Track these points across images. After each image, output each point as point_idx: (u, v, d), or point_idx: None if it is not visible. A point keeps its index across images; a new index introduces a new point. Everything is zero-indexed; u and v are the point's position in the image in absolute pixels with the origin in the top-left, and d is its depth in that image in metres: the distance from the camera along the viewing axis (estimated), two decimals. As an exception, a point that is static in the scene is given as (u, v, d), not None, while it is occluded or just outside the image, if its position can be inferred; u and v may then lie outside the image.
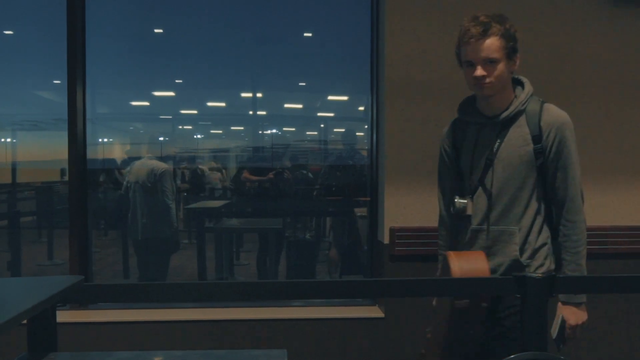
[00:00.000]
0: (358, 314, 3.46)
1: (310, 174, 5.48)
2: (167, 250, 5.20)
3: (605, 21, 3.34)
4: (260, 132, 6.03)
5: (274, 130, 5.97)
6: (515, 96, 2.25)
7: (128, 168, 5.40)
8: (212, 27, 5.05)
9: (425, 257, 3.08)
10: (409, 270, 3.27)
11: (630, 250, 3.35)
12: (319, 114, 6.01)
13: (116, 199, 5.71)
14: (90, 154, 3.63)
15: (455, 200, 2.35)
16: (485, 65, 2.15)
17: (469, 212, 2.30)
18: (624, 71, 3.36)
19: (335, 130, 6.01)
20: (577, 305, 2.22)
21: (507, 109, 2.22)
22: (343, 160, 5.36)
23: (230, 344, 3.34)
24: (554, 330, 2.23)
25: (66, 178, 3.58)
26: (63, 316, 3.28)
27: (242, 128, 6.73)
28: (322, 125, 5.98)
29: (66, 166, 3.53)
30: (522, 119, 2.22)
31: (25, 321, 1.44)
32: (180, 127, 6.50)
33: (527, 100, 2.23)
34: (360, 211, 4.70)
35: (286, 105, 5.95)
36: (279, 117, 5.96)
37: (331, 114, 5.90)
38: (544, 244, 2.23)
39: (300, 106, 5.99)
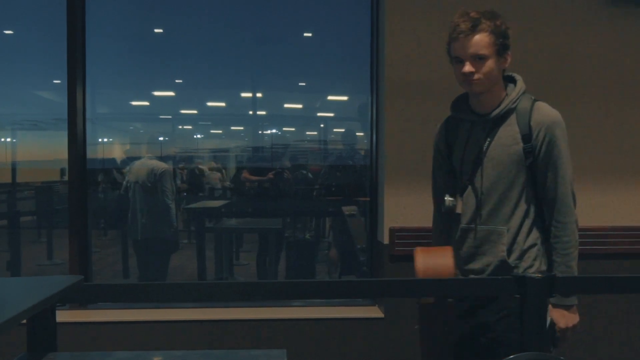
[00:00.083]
0: (358, 314, 3.46)
1: (310, 174, 5.48)
2: (167, 250, 5.20)
3: (605, 21, 3.34)
4: (260, 132, 6.03)
5: (274, 130, 5.97)
6: (507, 94, 2.21)
7: (128, 168, 5.40)
8: (212, 27, 5.05)
9: (425, 257, 3.07)
10: (408, 271, 3.25)
11: (630, 251, 3.35)
12: (318, 114, 6.01)
13: (116, 198, 5.71)
14: (90, 154, 3.63)
15: (445, 198, 2.35)
16: (473, 61, 2.12)
17: (458, 210, 2.29)
18: (624, 71, 3.36)
19: (335, 130, 6.01)
20: (567, 307, 2.16)
21: (497, 107, 2.19)
22: (343, 160, 5.36)
23: (230, 344, 3.34)
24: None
25: (66, 178, 3.58)
26: (63, 316, 3.28)
27: (242, 128, 6.73)
28: (322, 126, 5.98)
29: (66, 166, 3.54)
30: (512, 118, 2.18)
31: (24, 321, 1.44)
32: (180, 127, 6.50)
33: (518, 99, 2.19)
34: (348, 210, 4.69)
35: (286, 105, 5.95)
36: (279, 117, 5.96)
37: (331, 114, 5.90)
38: (533, 245, 2.19)
39: (300, 106, 6.00)
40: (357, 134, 5.22)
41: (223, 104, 6.21)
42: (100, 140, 6.01)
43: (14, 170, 6.37)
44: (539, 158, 2.15)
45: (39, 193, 6.91)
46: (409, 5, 3.30)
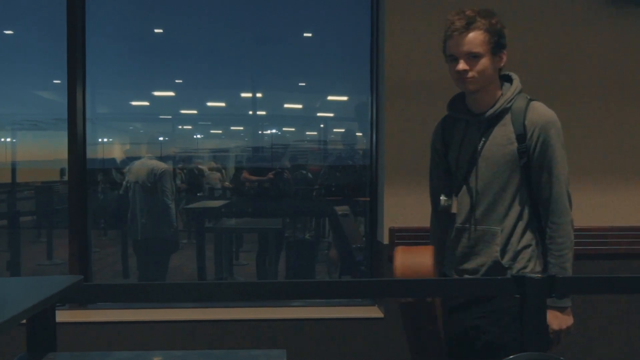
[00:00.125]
0: (357, 314, 3.46)
1: (309, 174, 5.49)
2: (167, 250, 5.20)
3: (605, 21, 3.34)
4: (260, 132, 6.04)
5: (274, 130, 5.98)
6: (502, 93, 2.19)
7: (127, 168, 5.40)
8: (212, 27, 5.05)
9: (425, 257, 3.07)
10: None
11: (630, 251, 3.35)
12: (318, 114, 6.01)
13: (116, 198, 5.71)
14: (90, 154, 3.63)
15: (440, 197, 2.34)
16: (467, 59, 2.11)
17: (454, 210, 2.28)
18: (624, 71, 3.36)
19: (335, 130, 6.01)
20: (561, 309, 2.14)
21: (492, 106, 2.17)
22: (343, 160, 5.36)
23: (229, 344, 3.34)
24: None
25: (66, 178, 3.58)
26: (62, 316, 3.28)
27: (241, 128, 6.74)
28: (321, 126, 5.98)
29: (66, 166, 3.53)
30: (507, 117, 2.16)
31: (24, 321, 1.44)
32: (180, 127, 6.50)
33: (513, 98, 2.17)
34: (341, 210, 4.69)
35: (286, 106, 5.96)
36: (279, 117, 5.96)
37: (331, 114, 5.90)
38: (527, 246, 2.17)
39: (300, 106, 6.00)
40: (357, 134, 5.23)
41: (223, 104, 6.22)
42: (100, 140, 6.01)
43: (14, 170, 6.37)
44: (533, 158, 2.13)
45: (39, 193, 6.91)
46: (409, 5, 3.30)
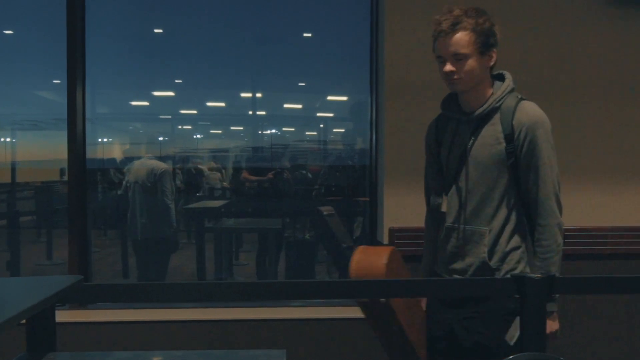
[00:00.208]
0: (358, 314, 3.44)
1: (309, 174, 5.48)
2: (166, 250, 5.20)
3: (604, 21, 3.34)
4: (259, 132, 6.04)
5: (274, 131, 5.98)
6: (493, 93, 2.17)
7: (127, 167, 5.40)
8: (212, 27, 5.05)
9: (425, 257, 3.07)
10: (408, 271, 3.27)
11: (630, 251, 3.34)
12: (318, 114, 6.02)
13: (115, 198, 5.71)
14: (89, 154, 3.63)
15: (431, 196, 2.34)
16: (454, 60, 2.09)
17: (444, 209, 2.27)
18: (624, 71, 3.36)
19: (334, 130, 6.01)
20: (550, 313, 2.10)
21: (482, 105, 2.15)
22: (342, 160, 5.37)
23: (229, 344, 3.34)
24: (513, 337, 2.10)
25: (65, 178, 3.58)
26: (62, 316, 3.28)
27: (241, 128, 6.74)
28: (321, 126, 5.99)
29: (65, 166, 3.53)
30: (496, 117, 2.14)
31: (24, 321, 1.44)
32: (180, 127, 6.51)
33: (503, 97, 2.14)
34: (326, 210, 4.68)
35: (286, 106, 5.96)
36: (279, 117, 5.96)
37: (330, 114, 5.90)
38: (516, 247, 2.15)
39: (299, 106, 6.00)
40: (357, 134, 5.23)
41: (223, 104, 6.22)
42: (100, 140, 6.01)
43: (13, 170, 6.37)
44: (520, 158, 2.11)
45: (38, 193, 6.91)
46: (409, 5, 3.29)
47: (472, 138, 2.17)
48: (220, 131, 6.91)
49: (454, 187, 2.23)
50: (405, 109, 3.30)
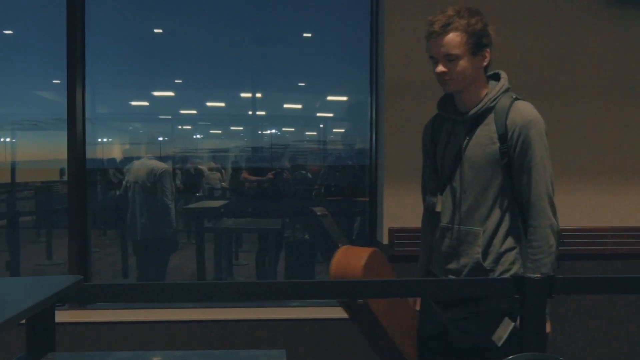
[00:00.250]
0: (357, 314, 3.45)
1: (309, 174, 5.48)
2: (166, 250, 5.20)
3: (604, 22, 3.34)
4: (259, 132, 6.03)
5: (273, 131, 5.97)
6: (487, 93, 2.16)
7: (127, 167, 5.40)
8: (212, 27, 5.05)
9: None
10: (408, 271, 3.27)
11: (630, 251, 3.35)
12: (318, 114, 6.01)
13: (115, 198, 5.71)
14: (89, 154, 3.63)
15: (426, 196, 2.34)
16: (446, 61, 2.09)
17: (439, 209, 2.26)
18: (624, 71, 3.36)
19: (334, 130, 6.01)
20: None
21: (476, 105, 2.14)
22: (342, 160, 5.36)
23: (229, 344, 3.33)
24: (500, 338, 2.09)
25: (65, 178, 3.58)
26: (62, 316, 3.27)
27: (241, 128, 6.73)
28: (321, 126, 5.98)
29: (65, 166, 3.53)
30: (490, 117, 2.13)
31: (24, 321, 1.44)
32: (180, 127, 6.50)
33: (497, 97, 2.14)
34: (319, 210, 4.68)
35: (285, 106, 5.96)
36: (279, 118, 5.96)
37: (330, 114, 5.90)
38: (511, 249, 2.13)
39: (299, 106, 6.00)
40: (357, 134, 5.23)
41: (222, 104, 6.21)
42: (99, 140, 6.01)
43: (13, 170, 6.36)
44: (514, 159, 2.09)
45: (38, 193, 6.91)
46: (409, 5, 3.29)
47: (467, 138, 2.16)
48: (220, 131, 6.90)
49: (448, 187, 2.22)
50: (405, 109, 3.30)
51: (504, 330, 2.09)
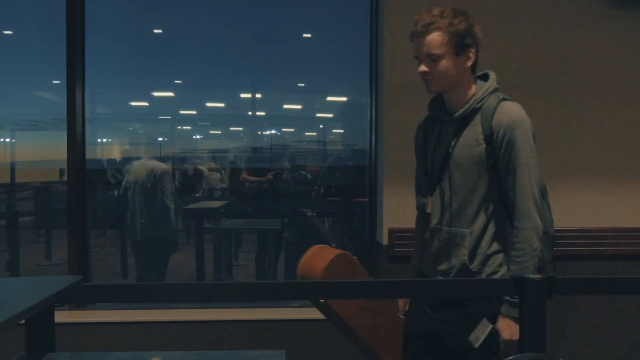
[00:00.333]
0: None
1: (309, 175, 5.48)
2: (166, 250, 5.20)
3: (604, 22, 3.34)
4: (259, 132, 6.03)
5: (273, 131, 5.97)
6: (474, 93, 2.14)
7: (127, 167, 5.39)
8: (211, 27, 5.05)
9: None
10: (407, 272, 3.26)
11: (630, 252, 3.34)
12: (318, 115, 6.01)
13: (115, 199, 5.71)
14: (89, 154, 3.63)
15: (418, 197, 2.34)
16: (428, 61, 2.09)
17: (429, 210, 2.26)
18: (624, 71, 3.36)
19: (334, 131, 6.00)
20: (516, 319, 1.98)
21: (463, 106, 2.13)
22: (342, 161, 5.36)
23: (229, 344, 3.33)
24: (477, 339, 2.08)
25: (65, 178, 3.57)
26: (61, 316, 3.27)
27: (241, 129, 6.73)
28: (321, 126, 5.98)
29: (65, 166, 3.53)
30: (477, 118, 2.11)
31: (23, 321, 1.44)
32: (180, 127, 6.49)
33: (484, 98, 2.12)
34: (310, 212, 4.68)
35: (285, 106, 5.95)
36: (278, 118, 5.95)
37: (330, 115, 5.89)
38: (498, 251, 2.11)
39: (299, 107, 5.99)
40: (357, 134, 5.22)
41: (222, 105, 6.21)
42: (99, 140, 6.00)
43: (13, 171, 6.36)
44: (499, 160, 2.07)
45: (38, 193, 6.90)
46: (408, 5, 3.28)
47: (455, 139, 2.15)
48: (219, 132, 6.90)
49: (438, 188, 2.22)
50: (405, 109, 3.30)
51: (482, 331, 2.08)
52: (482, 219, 2.12)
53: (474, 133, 2.11)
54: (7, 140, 6.31)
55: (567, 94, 3.31)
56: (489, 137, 2.07)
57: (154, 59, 5.27)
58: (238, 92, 5.79)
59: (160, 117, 6.10)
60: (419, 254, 2.40)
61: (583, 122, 3.32)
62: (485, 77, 2.21)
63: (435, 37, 2.07)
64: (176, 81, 5.67)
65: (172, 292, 1.72)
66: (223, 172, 6.38)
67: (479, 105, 2.12)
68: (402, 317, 2.42)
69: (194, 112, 6.35)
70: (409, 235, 3.24)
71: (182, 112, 6.27)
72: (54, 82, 5.26)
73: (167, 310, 3.51)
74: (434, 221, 2.24)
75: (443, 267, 2.20)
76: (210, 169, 6.34)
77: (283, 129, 6.09)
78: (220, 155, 6.55)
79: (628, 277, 1.86)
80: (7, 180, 6.33)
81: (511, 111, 2.08)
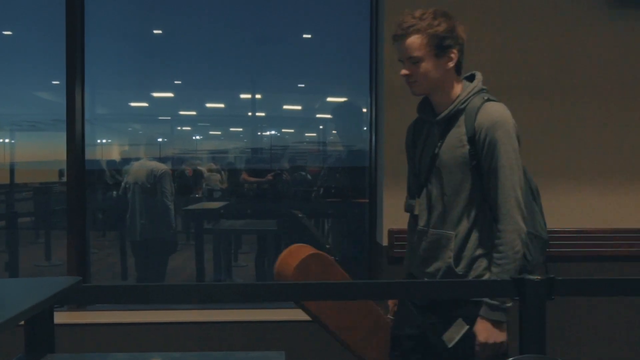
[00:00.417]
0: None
1: (308, 176, 5.48)
2: (165, 251, 5.19)
3: (605, 22, 3.34)
4: (259, 133, 6.03)
5: (273, 132, 5.97)
6: (459, 94, 2.14)
7: (126, 168, 5.39)
8: (211, 27, 5.05)
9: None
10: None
11: (631, 253, 3.34)
12: (317, 116, 6.01)
13: (114, 199, 5.70)
14: (88, 155, 3.63)
15: (407, 199, 2.34)
16: (410, 63, 2.10)
17: (417, 212, 2.26)
18: (624, 71, 3.36)
19: (334, 131, 5.99)
20: (494, 322, 2.01)
21: (447, 108, 2.13)
22: (342, 161, 5.35)
23: (228, 345, 3.33)
24: (452, 339, 2.07)
25: (64, 179, 3.57)
26: (61, 317, 3.26)
27: (241, 129, 6.72)
28: (321, 127, 5.97)
29: (64, 167, 3.53)
30: (462, 119, 2.11)
31: (23, 322, 1.43)
32: (179, 128, 6.49)
33: (468, 99, 2.11)
34: (300, 213, 4.68)
35: (285, 107, 5.95)
36: (278, 119, 5.95)
37: (330, 115, 5.89)
38: (484, 254, 2.10)
39: (299, 107, 5.99)
40: (356, 135, 5.21)
41: (222, 105, 6.20)
42: (99, 141, 6.00)
43: (12, 171, 6.36)
44: (481, 161, 2.06)
45: (37, 194, 6.90)
46: (409, 6, 3.28)
47: (440, 141, 2.15)
48: (219, 132, 6.90)
49: (425, 190, 2.22)
50: (405, 109, 3.28)
51: (456, 332, 2.08)
52: (466, 221, 2.11)
53: (458, 134, 2.11)
54: (7, 140, 6.31)
55: (567, 94, 3.31)
56: (472, 138, 2.07)
57: (154, 59, 5.27)
58: (238, 92, 5.79)
59: (160, 118, 6.09)
60: (409, 255, 2.40)
61: (583, 122, 3.32)
62: (472, 78, 2.20)
63: (414, 40, 2.07)
64: (176, 82, 5.67)
65: (172, 293, 1.72)
66: (223, 172, 6.37)
67: (462, 106, 2.11)
68: (392, 317, 2.42)
69: (194, 113, 6.34)
70: (408, 236, 3.24)
71: (181, 112, 6.27)
72: (54, 82, 5.25)
73: (166, 311, 3.50)
74: (421, 223, 2.23)
75: (429, 269, 2.20)
76: (210, 170, 6.34)
77: (283, 130, 6.09)
78: (220, 156, 6.55)
79: (628, 278, 1.85)
80: (7, 180, 6.33)
81: (494, 112, 2.06)
